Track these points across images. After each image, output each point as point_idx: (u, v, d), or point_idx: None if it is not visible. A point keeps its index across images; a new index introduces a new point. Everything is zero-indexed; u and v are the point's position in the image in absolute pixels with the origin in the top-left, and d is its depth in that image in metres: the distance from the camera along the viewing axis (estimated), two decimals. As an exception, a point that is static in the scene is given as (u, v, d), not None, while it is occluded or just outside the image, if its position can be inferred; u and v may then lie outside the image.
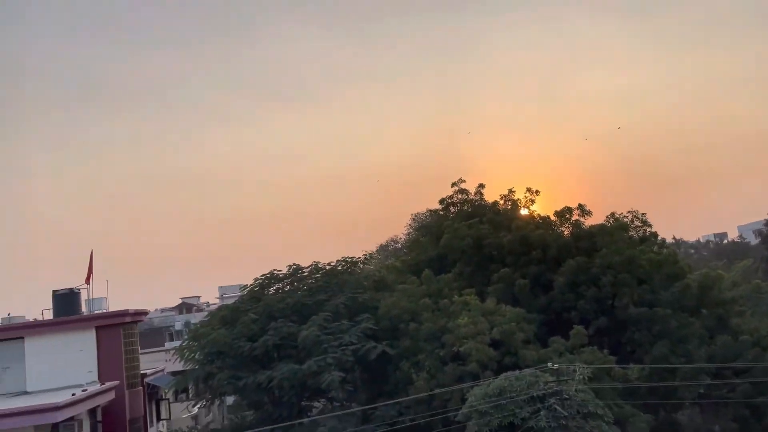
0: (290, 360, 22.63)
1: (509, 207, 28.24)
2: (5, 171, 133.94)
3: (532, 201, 28.21)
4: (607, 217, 26.82)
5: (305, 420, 21.97)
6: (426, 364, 21.29)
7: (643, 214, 27.02)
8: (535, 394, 17.04)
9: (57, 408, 18.60)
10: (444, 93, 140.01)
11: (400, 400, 20.33)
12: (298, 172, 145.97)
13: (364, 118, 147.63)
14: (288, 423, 20.88)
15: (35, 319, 29.04)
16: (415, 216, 49.90)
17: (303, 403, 23.97)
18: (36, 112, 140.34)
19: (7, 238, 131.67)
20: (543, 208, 28.74)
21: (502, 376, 18.03)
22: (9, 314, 38.52)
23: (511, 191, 28.45)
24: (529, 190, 28.23)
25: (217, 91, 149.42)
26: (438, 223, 29.11)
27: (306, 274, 27.14)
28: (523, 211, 28.35)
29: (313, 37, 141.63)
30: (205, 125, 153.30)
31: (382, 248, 54.05)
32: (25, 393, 24.18)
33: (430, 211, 32.09)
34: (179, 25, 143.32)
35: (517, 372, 18.23)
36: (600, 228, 25.76)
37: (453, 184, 29.38)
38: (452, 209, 29.49)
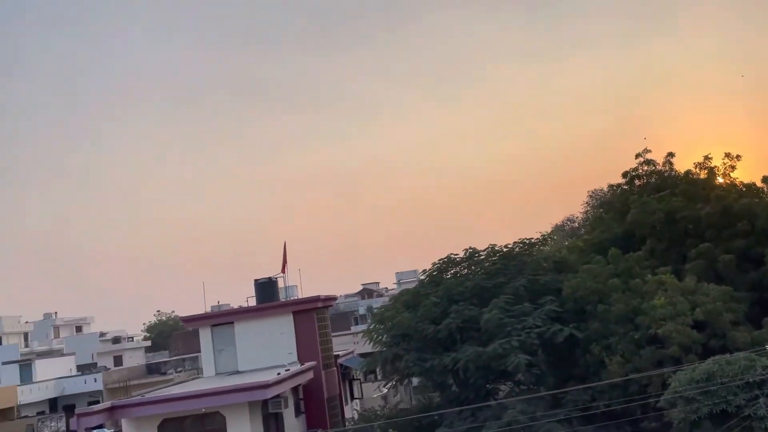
0: (473, 343, 22.68)
1: (705, 176, 25.63)
2: (208, 177, 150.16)
3: (733, 167, 25.29)
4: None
5: (492, 402, 21.93)
6: (619, 348, 20.16)
7: None
8: (751, 380, 15.37)
9: (267, 386, 20.50)
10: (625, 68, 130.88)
11: (593, 384, 19.47)
12: (465, 156, 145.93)
13: (534, 96, 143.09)
14: (476, 405, 20.98)
15: (240, 306, 32.24)
16: (593, 193, 47.35)
17: (489, 385, 23.94)
18: (213, 115, 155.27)
19: (215, 236, 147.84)
20: (745, 175, 25.71)
21: (711, 360, 16.49)
22: (218, 302, 43.25)
23: (707, 158, 25.76)
24: (728, 155, 25.34)
25: (380, 84, 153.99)
26: (622, 198, 27.26)
27: (483, 257, 26.98)
28: (722, 180, 25.57)
29: (476, 21, 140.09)
30: (372, 116, 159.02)
31: (558, 228, 52.06)
32: (237, 372, 27.00)
33: (612, 186, 30.10)
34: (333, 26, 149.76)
35: (727, 356, 16.58)
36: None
37: (637, 155, 27.35)
38: (637, 182, 27.47)
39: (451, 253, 27.42)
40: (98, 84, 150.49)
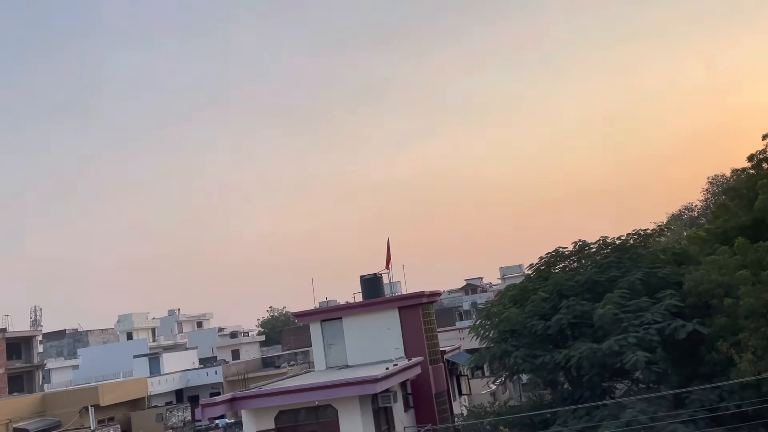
0: (586, 339, 21.80)
1: None
2: (317, 177, 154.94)
3: None
4: None
5: (609, 402, 20.99)
6: (750, 345, 18.61)
7: None
8: None
9: (376, 380, 20.80)
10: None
11: (723, 384, 18.12)
12: (569, 149, 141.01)
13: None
14: (591, 404, 20.16)
15: (347, 302, 33.01)
16: (713, 179, 44.20)
17: (604, 384, 22.94)
18: (322, 117, 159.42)
19: (322, 233, 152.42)
20: None
21: None
22: (326, 298, 44.50)
23: None
24: None
25: (489, 82, 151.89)
26: (748, 183, 25.12)
27: (593, 250, 25.87)
28: None
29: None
30: (481, 115, 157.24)
31: (675, 218, 49.04)
32: (347, 366, 27.61)
33: (736, 170, 27.82)
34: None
35: None
36: None
37: (764, 137, 25.12)
38: (765, 165, 25.23)
39: (560, 247, 26.51)
40: (212, 89, 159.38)
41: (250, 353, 64.15)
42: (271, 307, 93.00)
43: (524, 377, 29.30)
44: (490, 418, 23.92)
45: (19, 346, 54.45)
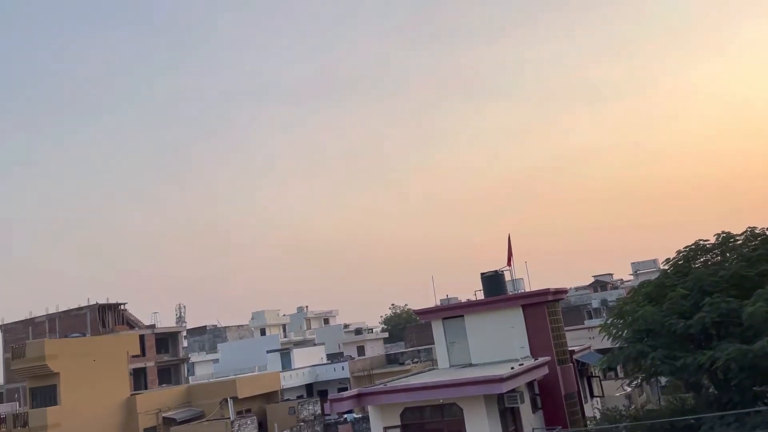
0: (733, 339, 19.93)
1: None
2: (430, 172, 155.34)
3: None
4: None
5: (764, 408, 19.05)
6: None
7: None
8: None
9: (502, 380, 20.30)
10: None
11: None
12: (716, 140, 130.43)
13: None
14: (743, 410, 18.40)
15: (468, 299, 32.55)
16: None
17: (756, 388, 20.88)
18: (427, 109, 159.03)
19: (442, 230, 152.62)
20: None
21: None
22: (447, 296, 44.25)
23: None
24: None
25: (585, 70, 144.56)
26: None
27: (740, 242, 23.61)
28: None
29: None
30: (596, 100, 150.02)
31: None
32: (470, 365, 27.24)
33: None
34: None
35: None
36: None
37: None
38: None
39: (700, 240, 24.47)
40: (299, 81, 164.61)
41: (375, 350, 65.42)
42: (393, 305, 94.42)
43: (663, 379, 27.43)
44: (625, 423, 22.63)
45: (166, 341, 59.33)
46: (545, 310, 26.89)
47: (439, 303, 34.81)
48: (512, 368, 22.19)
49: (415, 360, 49.39)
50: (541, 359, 25.33)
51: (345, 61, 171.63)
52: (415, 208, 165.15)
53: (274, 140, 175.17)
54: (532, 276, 30.17)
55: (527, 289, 30.31)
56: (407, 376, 29.20)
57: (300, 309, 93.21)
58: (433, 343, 30.98)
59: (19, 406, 48.18)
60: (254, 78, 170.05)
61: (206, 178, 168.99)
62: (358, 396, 22.88)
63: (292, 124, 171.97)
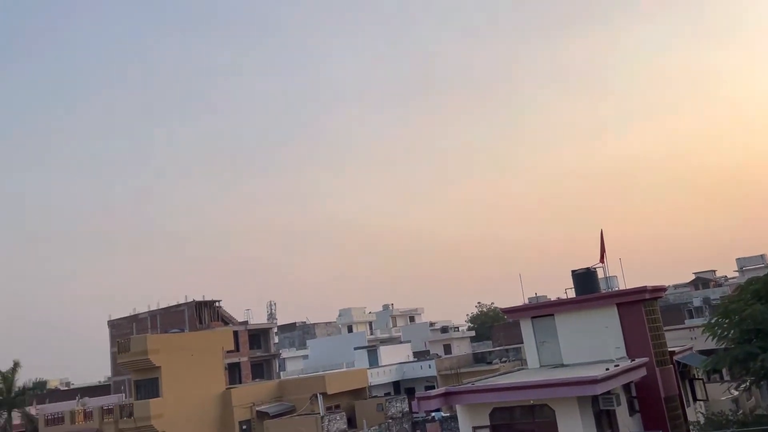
0: None
1: None
2: (520, 166, 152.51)
3: None
4: None
5: None
6: None
7: None
8: None
9: (596, 381, 19.48)
10: None
11: None
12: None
13: None
14: None
15: (558, 298, 31.48)
16: None
17: None
18: (522, 101, 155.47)
19: (531, 225, 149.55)
20: None
21: None
22: (536, 294, 43.08)
23: None
24: None
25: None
26: None
27: None
28: None
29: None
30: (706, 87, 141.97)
31: None
32: (562, 366, 26.35)
33: None
34: None
35: None
36: None
37: None
38: None
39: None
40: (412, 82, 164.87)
41: (461, 348, 64.86)
42: (479, 303, 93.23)
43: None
44: (732, 429, 21.17)
45: (258, 337, 61.40)
46: (642, 309, 25.59)
47: (526, 301, 33.96)
48: (607, 369, 21.26)
49: (503, 359, 48.49)
50: (638, 360, 24.14)
51: (435, 59, 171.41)
52: (502, 205, 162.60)
53: (363, 137, 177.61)
54: (627, 273, 28.70)
55: (622, 287, 28.99)
56: (496, 376, 28.66)
57: (385, 307, 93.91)
58: (522, 343, 30.21)
59: (125, 398, 51.40)
60: (346, 77, 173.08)
61: (291, 177, 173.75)
62: (446, 395, 22.64)
63: (383, 122, 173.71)
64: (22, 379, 46.00)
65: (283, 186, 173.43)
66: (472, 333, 73.91)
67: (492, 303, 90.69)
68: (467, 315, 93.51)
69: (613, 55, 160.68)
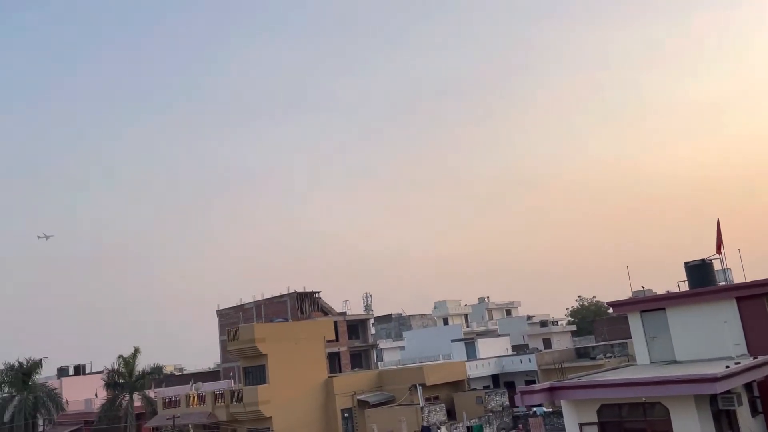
0: None
1: None
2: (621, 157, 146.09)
3: None
4: None
5: None
6: None
7: None
8: None
9: (716, 379, 18.38)
10: None
11: None
12: None
13: None
14: None
15: (668, 291, 29.89)
16: None
17: None
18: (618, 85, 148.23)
19: (637, 215, 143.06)
20: None
21: None
22: (642, 287, 41.19)
23: None
24: None
25: None
26: None
27: None
28: None
29: None
30: None
31: None
32: (675, 362, 25.06)
33: None
34: None
35: None
36: None
37: None
38: None
39: None
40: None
41: (562, 343, 63.13)
42: (580, 296, 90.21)
43: None
44: None
45: (356, 327, 62.65)
46: (765, 304, 23.90)
47: (632, 295, 32.56)
48: (727, 367, 19.99)
49: (608, 355, 46.71)
50: (761, 358, 22.53)
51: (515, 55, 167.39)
52: (608, 197, 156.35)
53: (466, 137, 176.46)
54: (747, 265, 26.80)
55: (741, 280, 27.14)
56: (603, 371, 27.68)
57: (481, 299, 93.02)
58: (628, 338, 29.05)
59: (234, 383, 54.09)
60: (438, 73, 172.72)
61: (383, 183, 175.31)
62: (551, 389, 22.13)
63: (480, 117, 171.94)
64: (141, 365, 49.38)
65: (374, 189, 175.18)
66: (573, 327, 71.66)
67: (594, 297, 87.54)
68: (567, 309, 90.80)
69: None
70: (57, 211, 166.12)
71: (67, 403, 52.29)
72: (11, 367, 49.11)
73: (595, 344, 53.71)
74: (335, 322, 54.69)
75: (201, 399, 41.09)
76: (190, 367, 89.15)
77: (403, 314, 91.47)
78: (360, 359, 61.20)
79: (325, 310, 61.00)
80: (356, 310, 66.92)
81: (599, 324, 63.48)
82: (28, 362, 49.60)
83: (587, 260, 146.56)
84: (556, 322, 75.82)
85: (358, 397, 40.94)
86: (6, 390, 49.41)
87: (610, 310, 78.72)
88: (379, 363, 64.30)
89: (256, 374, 39.50)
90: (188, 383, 52.76)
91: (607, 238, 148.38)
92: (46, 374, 56.39)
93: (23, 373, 48.87)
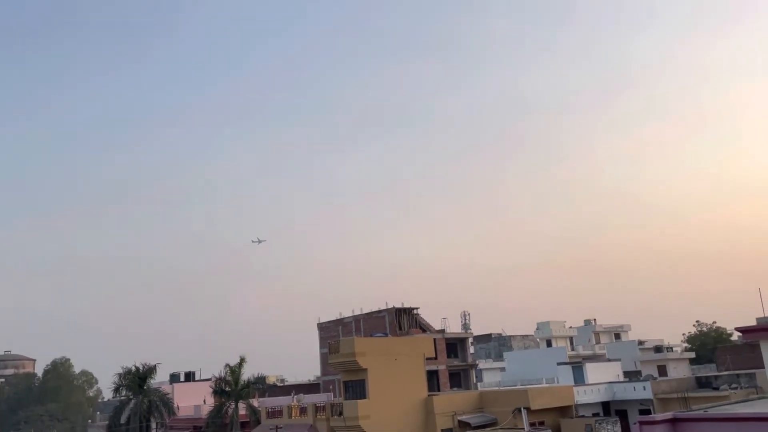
0: None
1: None
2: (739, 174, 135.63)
3: None
4: None
5: None
6: None
7: None
8: None
9: None
10: None
11: None
12: None
13: None
14: None
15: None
16: None
17: None
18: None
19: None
20: None
21: None
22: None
23: None
24: None
25: None
26: None
27: None
28: None
29: None
30: None
31: None
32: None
33: None
34: None
35: None
36: None
37: None
38: None
39: None
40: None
41: (679, 371, 58.61)
42: (698, 321, 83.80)
43: None
44: None
45: (455, 346, 61.40)
46: None
47: (757, 322, 29.46)
48: None
49: (733, 386, 42.64)
50: None
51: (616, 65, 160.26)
52: (726, 211, 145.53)
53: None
54: None
55: None
56: (731, 404, 25.06)
57: (587, 322, 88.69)
58: (756, 368, 26.15)
59: (333, 397, 54.44)
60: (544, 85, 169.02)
61: (482, 193, 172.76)
62: (674, 421, 20.18)
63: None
64: (246, 374, 50.86)
65: (476, 203, 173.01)
66: (692, 354, 66.40)
67: (714, 322, 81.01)
68: (683, 334, 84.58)
69: None
70: (172, 225, 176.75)
71: (178, 408, 54.81)
72: (129, 371, 52.12)
73: (718, 374, 49.32)
74: (434, 340, 53.81)
75: (302, 411, 41.54)
76: (291, 379, 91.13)
77: (504, 334, 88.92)
78: (459, 378, 59.84)
79: (423, 327, 60.29)
80: (454, 328, 65.66)
81: (722, 352, 58.46)
82: (144, 367, 52.47)
83: (706, 283, 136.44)
84: (672, 348, 70.66)
85: (458, 418, 39.75)
86: (123, 393, 52.48)
87: (734, 337, 72.67)
88: (478, 383, 62.54)
89: (356, 388, 39.35)
90: (290, 394, 53.70)
91: (730, 256, 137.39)
92: (159, 379, 59.48)
93: (139, 378, 51.72)
